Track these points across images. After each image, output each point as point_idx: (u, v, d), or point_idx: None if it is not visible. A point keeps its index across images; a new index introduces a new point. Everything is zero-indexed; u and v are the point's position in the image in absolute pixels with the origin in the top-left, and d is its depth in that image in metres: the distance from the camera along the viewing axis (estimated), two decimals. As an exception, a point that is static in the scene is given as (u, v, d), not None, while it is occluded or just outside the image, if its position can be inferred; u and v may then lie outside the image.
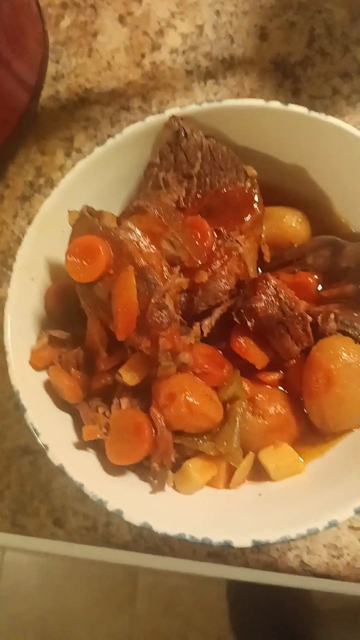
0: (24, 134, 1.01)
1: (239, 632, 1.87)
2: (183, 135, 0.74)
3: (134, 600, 2.05)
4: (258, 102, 0.72)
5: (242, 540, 0.60)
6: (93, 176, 0.77)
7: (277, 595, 1.79)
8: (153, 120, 0.75)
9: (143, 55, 1.02)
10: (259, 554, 0.81)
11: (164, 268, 0.67)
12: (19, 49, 0.94)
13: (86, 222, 0.68)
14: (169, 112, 0.74)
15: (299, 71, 0.96)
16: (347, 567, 0.79)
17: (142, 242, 0.67)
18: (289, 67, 0.97)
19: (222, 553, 0.82)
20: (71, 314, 0.77)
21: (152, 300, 0.63)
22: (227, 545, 0.60)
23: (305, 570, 0.79)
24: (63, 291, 0.78)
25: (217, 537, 0.60)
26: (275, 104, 0.72)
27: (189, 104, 0.77)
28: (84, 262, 0.66)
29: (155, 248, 0.68)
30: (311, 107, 0.73)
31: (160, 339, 0.64)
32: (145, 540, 0.83)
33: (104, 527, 0.85)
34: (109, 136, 0.76)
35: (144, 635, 2.03)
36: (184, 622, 2.00)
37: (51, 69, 1.05)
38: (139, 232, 0.67)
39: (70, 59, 1.05)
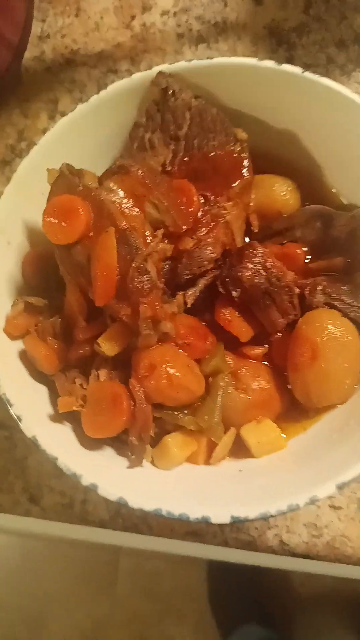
0: (6, 95, 0.97)
1: (219, 615, 1.88)
2: (171, 93, 0.70)
3: (115, 583, 2.04)
4: (250, 61, 0.69)
5: (220, 516, 0.57)
6: (75, 135, 0.73)
7: (257, 578, 1.79)
8: (140, 77, 0.71)
9: (133, 17, 0.98)
10: (238, 533, 0.79)
11: (147, 232, 0.64)
12: (1, 5, 0.89)
13: (65, 180, 0.65)
14: (157, 68, 0.70)
15: (294, 38, 0.93)
16: (327, 546, 0.77)
17: (124, 204, 0.64)
18: (284, 33, 0.93)
19: (200, 532, 0.80)
20: (50, 281, 0.74)
21: (133, 265, 0.60)
22: (204, 521, 0.57)
23: (285, 549, 0.78)
24: (42, 258, 0.75)
25: (194, 513, 0.58)
26: (269, 63, 0.68)
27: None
28: (62, 223, 0.62)
29: (138, 210, 0.64)
30: (305, 70, 0.69)
31: (141, 306, 0.61)
32: (123, 518, 0.81)
33: (80, 505, 0.82)
34: (95, 94, 0.72)
35: (124, 617, 2.02)
36: (164, 604, 2.00)
37: (36, 28, 1.00)
38: (121, 193, 0.64)
39: (56, 19, 1.00)
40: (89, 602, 2.05)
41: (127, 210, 0.63)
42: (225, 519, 0.58)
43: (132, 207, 0.64)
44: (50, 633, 2.06)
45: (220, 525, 0.77)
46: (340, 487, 0.58)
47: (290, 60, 0.92)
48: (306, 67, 0.91)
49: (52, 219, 0.62)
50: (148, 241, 0.63)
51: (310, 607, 1.79)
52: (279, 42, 0.93)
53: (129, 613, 2.03)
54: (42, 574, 2.09)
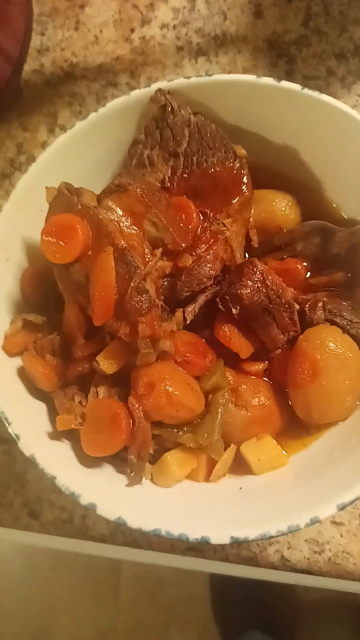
0: (6, 108, 0.97)
1: (222, 623, 1.87)
2: (170, 110, 0.70)
3: (118, 591, 2.03)
4: (249, 78, 0.69)
5: (220, 537, 0.57)
6: (74, 152, 0.73)
7: (260, 586, 1.79)
8: (139, 94, 0.71)
9: (132, 30, 0.98)
10: (239, 549, 0.78)
11: (146, 250, 0.64)
12: (0, 19, 0.89)
13: (64, 199, 0.65)
14: (155, 85, 0.70)
15: (294, 50, 0.92)
16: (328, 563, 0.76)
17: (122, 222, 0.64)
18: (284, 46, 0.93)
19: (201, 547, 0.79)
20: (48, 298, 0.74)
21: (132, 284, 0.60)
22: (204, 542, 0.57)
23: (286, 565, 0.77)
24: (41, 274, 0.74)
25: (194, 534, 0.57)
26: (268, 80, 0.68)
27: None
28: (60, 242, 0.62)
29: (136, 229, 0.64)
30: (304, 87, 0.69)
31: (139, 325, 0.61)
32: (123, 533, 0.81)
33: (80, 520, 0.82)
34: (94, 111, 0.72)
35: (128, 625, 2.02)
36: (168, 612, 2.00)
37: (36, 41, 1.00)
38: (119, 212, 0.64)
39: (56, 32, 1.00)
40: (93, 610, 2.05)
41: (125, 229, 0.63)
42: (225, 540, 0.57)
43: (130, 225, 0.64)
44: (55, 642, 2.05)
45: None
46: (341, 508, 0.57)
47: (290, 73, 0.92)
48: (306, 80, 0.91)
49: (50, 238, 0.62)
50: (147, 259, 0.63)
51: (312, 615, 1.78)
52: (279, 55, 0.93)
53: (133, 621, 2.02)
54: (46, 583, 2.08)
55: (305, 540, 0.78)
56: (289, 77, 0.92)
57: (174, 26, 0.96)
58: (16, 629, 2.06)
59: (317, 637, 1.75)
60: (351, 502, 0.57)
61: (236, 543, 0.58)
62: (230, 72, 0.93)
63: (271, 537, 0.57)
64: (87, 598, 2.05)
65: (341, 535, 0.77)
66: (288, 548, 0.78)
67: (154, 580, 2.02)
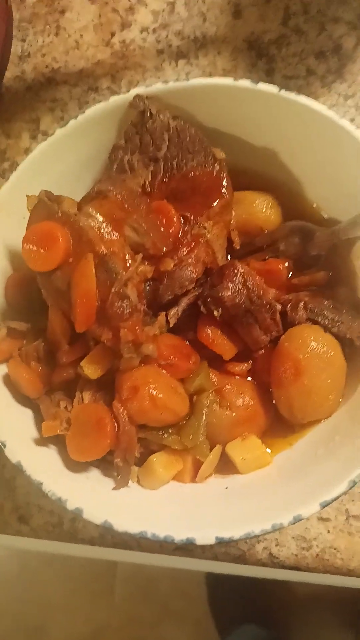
0: (-12, 115, 0.97)
1: (217, 617, 1.88)
2: (148, 115, 0.70)
3: (113, 588, 2.05)
4: (226, 81, 0.69)
5: (205, 537, 0.58)
6: (55, 159, 0.73)
7: (253, 581, 1.80)
8: (117, 100, 0.71)
9: (112, 34, 0.98)
10: (227, 547, 0.79)
11: (127, 256, 0.65)
12: (-20, 25, 0.89)
13: (44, 207, 0.65)
14: (134, 91, 0.71)
15: (273, 50, 0.93)
16: (316, 558, 0.77)
17: (103, 229, 0.64)
18: (263, 45, 0.93)
19: (188, 547, 0.80)
20: (33, 304, 0.74)
21: (113, 290, 0.61)
22: (190, 543, 0.58)
23: (274, 562, 0.78)
24: (24, 281, 0.75)
25: (179, 535, 0.58)
26: (245, 83, 0.69)
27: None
28: (41, 249, 0.63)
29: (117, 235, 0.65)
30: (285, 88, 0.69)
31: (121, 330, 0.61)
32: (112, 535, 0.82)
33: (70, 523, 0.82)
34: (73, 118, 0.73)
35: (122, 621, 2.03)
36: (162, 608, 2.01)
37: (17, 47, 1.00)
38: (100, 218, 0.64)
39: (36, 37, 1.00)
40: (88, 607, 2.06)
41: (106, 235, 0.64)
42: (210, 540, 0.58)
43: (111, 231, 0.64)
44: (50, 640, 2.07)
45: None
46: (324, 506, 0.58)
47: (270, 73, 0.93)
48: (286, 79, 0.92)
49: (31, 246, 0.63)
50: (128, 265, 0.64)
51: (307, 606, 1.80)
52: (258, 55, 0.94)
53: (128, 617, 2.03)
54: (40, 581, 2.09)
55: (293, 537, 0.79)
56: (269, 77, 0.92)
57: (154, 29, 0.96)
58: (11, 627, 2.07)
59: (311, 627, 1.77)
60: (333, 500, 0.58)
61: (222, 543, 0.59)
62: (210, 74, 0.94)
63: (256, 536, 0.58)
64: (82, 594, 2.06)
65: (328, 532, 0.78)
66: (276, 545, 0.79)
67: (148, 576, 2.03)
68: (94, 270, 0.60)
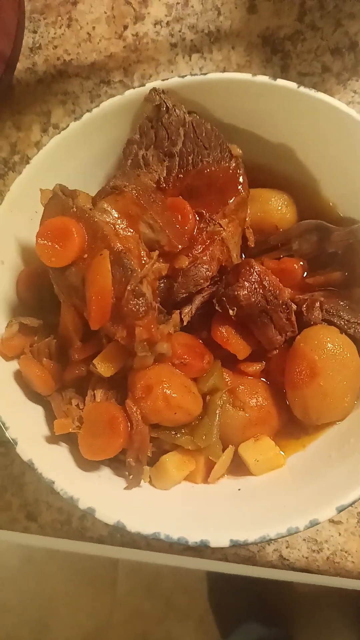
0: (-2, 107, 0.96)
1: (220, 614, 1.88)
2: (164, 109, 0.69)
3: (115, 583, 2.04)
4: (244, 76, 0.68)
5: (219, 540, 0.57)
6: (68, 153, 0.72)
7: (258, 579, 1.80)
8: (133, 93, 0.70)
9: (125, 27, 0.96)
10: (237, 548, 0.79)
11: (142, 252, 0.64)
12: (-8, 16, 0.88)
13: (59, 202, 0.64)
14: (150, 85, 0.69)
15: (289, 46, 0.92)
16: (327, 561, 0.77)
17: (118, 225, 0.63)
18: (278, 41, 0.92)
19: (199, 547, 0.79)
20: (44, 300, 0.73)
21: (128, 287, 0.60)
22: (204, 545, 0.57)
23: (284, 564, 0.78)
24: (36, 276, 0.74)
25: (193, 537, 0.57)
26: (263, 79, 0.67)
27: (172, 77, 0.72)
28: (55, 245, 0.62)
29: (132, 231, 0.64)
30: (301, 85, 0.69)
31: (136, 329, 0.60)
32: (121, 534, 0.81)
33: (78, 521, 0.82)
34: (88, 111, 0.72)
35: (125, 617, 2.03)
36: (165, 604, 2.01)
37: (28, 39, 0.99)
38: (115, 214, 0.63)
39: (48, 29, 0.99)
40: (91, 602, 2.06)
41: (121, 231, 0.63)
42: (225, 543, 0.57)
43: (126, 227, 0.63)
44: (53, 634, 2.06)
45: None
46: (341, 510, 0.57)
47: (285, 69, 0.91)
48: (301, 76, 0.90)
49: (45, 242, 0.62)
50: (143, 262, 0.63)
51: (311, 604, 1.79)
52: (273, 50, 0.92)
53: (131, 612, 2.03)
54: (43, 576, 2.09)
55: (304, 539, 0.78)
56: (284, 73, 0.91)
57: (168, 22, 0.95)
58: (14, 622, 2.07)
59: (314, 626, 1.77)
60: (350, 504, 0.57)
61: (236, 546, 0.58)
62: (224, 69, 0.92)
63: (270, 540, 0.57)
64: (85, 589, 2.06)
65: (339, 534, 0.77)
66: (287, 547, 0.78)
67: (151, 572, 2.03)
68: (109, 266, 0.59)
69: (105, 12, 0.97)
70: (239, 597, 1.83)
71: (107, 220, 0.62)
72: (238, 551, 0.79)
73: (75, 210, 0.62)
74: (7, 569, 2.11)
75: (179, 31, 0.94)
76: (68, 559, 2.07)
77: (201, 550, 0.80)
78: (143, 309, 0.60)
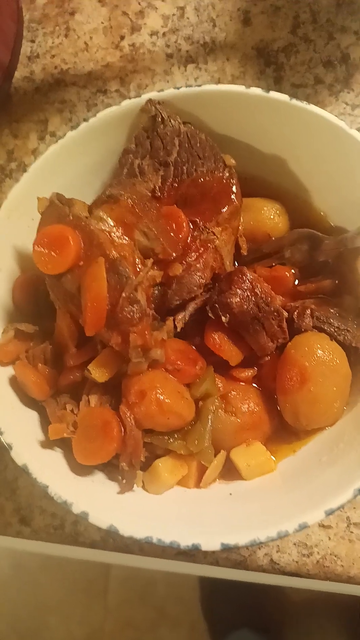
0: (-4, 115, 0.97)
1: (212, 622, 1.88)
2: (160, 120, 0.70)
3: (107, 591, 2.04)
4: (238, 89, 0.70)
5: (210, 543, 0.58)
6: (65, 162, 0.74)
7: (249, 586, 1.80)
8: (129, 104, 0.72)
9: (122, 37, 0.98)
10: (228, 553, 0.79)
11: (137, 260, 0.65)
12: (-10, 25, 0.89)
13: (55, 210, 0.65)
14: (146, 96, 0.71)
15: (282, 58, 0.93)
16: (317, 565, 0.78)
17: (114, 233, 0.64)
18: (272, 53, 0.94)
19: (191, 552, 0.80)
20: (40, 306, 0.74)
21: (123, 294, 0.61)
22: (195, 549, 0.58)
23: (275, 568, 0.78)
24: (32, 282, 0.75)
25: (185, 541, 0.58)
26: (256, 91, 0.69)
27: (168, 88, 0.73)
28: (52, 252, 0.63)
29: (128, 239, 0.65)
30: (294, 96, 0.70)
31: (131, 335, 0.61)
32: (114, 539, 0.81)
33: (71, 526, 0.82)
34: (85, 120, 0.73)
35: (117, 624, 2.02)
36: (157, 612, 2.00)
37: (26, 48, 1.00)
38: (111, 222, 0.64)
39: (46, 39, 1.00)
40: (82, 610, 2.05)
41: (116, 239, 0.64)
42: (216, 547, 0.58)
43: (121, 235, 0.64)
44: (45, 643, 2.06)
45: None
46: (329, 514, 0.59)
47: (278, 81, 0.93)
48: (294, 87, 0.92)
49: (42, 249, 0.63)
50: (138, 269, 0.64)
51: (302, 611, 1.80)
52: (267, 62, 0.94)
53: (123, 620, 2.03)
54: (35, 583, 2.08)
55: (294, 544, 0.79)
56: (277, 84, 0.93)
57: (164, 33, 0.97)
58: (4, 629, 2.05)
59: (306, 633, 1.77)
60: (338, 508, 0.59)
61: (226, 549, 0.59)
62: (219, 80, 0.94)
63: (261, 543, 0.58)
64: (77, 599, 2.05)
65: (329, 538, 0.78)
66: (277, 551, 0.79)
67: (143, 579, 2.02)
68: (105, 273, 0.60)
69: (103, 23, 0.98)
70: (231, 604, 1.84)
71: (103, 228, 0.64)
72: (229, 555, 0.80)
73: (71, 218, 0.63)
74: (-4, 577, 2.10)
75: (175, 42, 0.96)
76: (60, 567, 2.07)
77: (193, 554, 0.80)
78: (137, 315, 0.61)
